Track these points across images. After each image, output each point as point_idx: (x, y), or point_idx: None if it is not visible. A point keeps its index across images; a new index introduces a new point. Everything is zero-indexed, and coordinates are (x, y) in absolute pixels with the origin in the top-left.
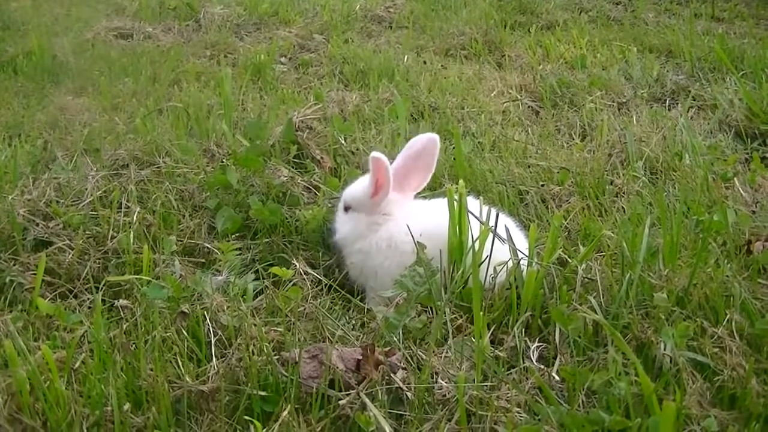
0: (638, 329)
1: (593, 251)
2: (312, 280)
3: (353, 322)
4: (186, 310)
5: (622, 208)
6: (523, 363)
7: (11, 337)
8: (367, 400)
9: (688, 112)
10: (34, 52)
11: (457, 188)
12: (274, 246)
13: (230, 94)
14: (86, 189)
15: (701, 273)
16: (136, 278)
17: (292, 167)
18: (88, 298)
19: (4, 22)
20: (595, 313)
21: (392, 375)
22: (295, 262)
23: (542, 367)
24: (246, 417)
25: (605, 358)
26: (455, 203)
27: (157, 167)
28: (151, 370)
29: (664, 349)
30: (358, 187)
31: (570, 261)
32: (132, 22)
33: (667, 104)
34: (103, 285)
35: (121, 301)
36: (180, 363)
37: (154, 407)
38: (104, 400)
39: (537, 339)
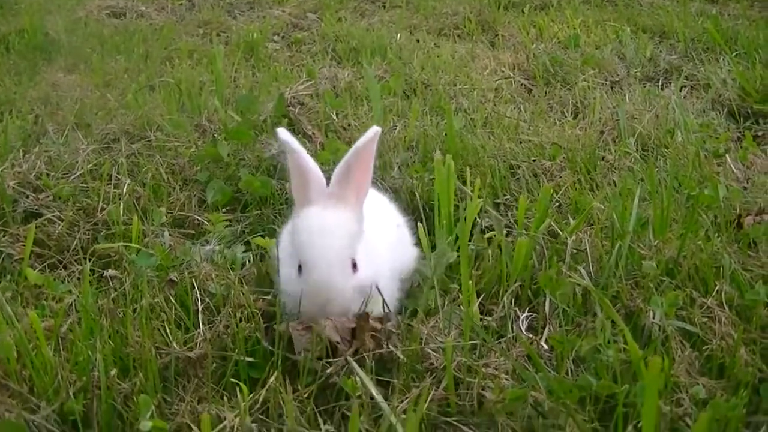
0: (627, 298)
1: (583, 224)
2: None
3: None
4: (174, 278)
5: (614, 182)
6: (512, 332)
7: None
8: (356, 365)
9: (680, 91)
10: (27, 30)
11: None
12: (265, 218)
13: (222, 71)
14: (77, 162)
15: (691, 244)
16: (124, 245)
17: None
18: (78, 269)
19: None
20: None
21: (387, 341)
22: None
23: (531, 336)
24: (233, 380)
25: (594, 325)
26: (444, 174)
27: (148, 141)
28: (139, 336)
29: (653, 318)
30: None
31: (560, 233)
32: (125, 0)
33: (660, 83)
34: (91, 254)
35: (110, 271)
36: (168, 330)
37: (141, 373)
38: (91, 365)
39: (526, 309)
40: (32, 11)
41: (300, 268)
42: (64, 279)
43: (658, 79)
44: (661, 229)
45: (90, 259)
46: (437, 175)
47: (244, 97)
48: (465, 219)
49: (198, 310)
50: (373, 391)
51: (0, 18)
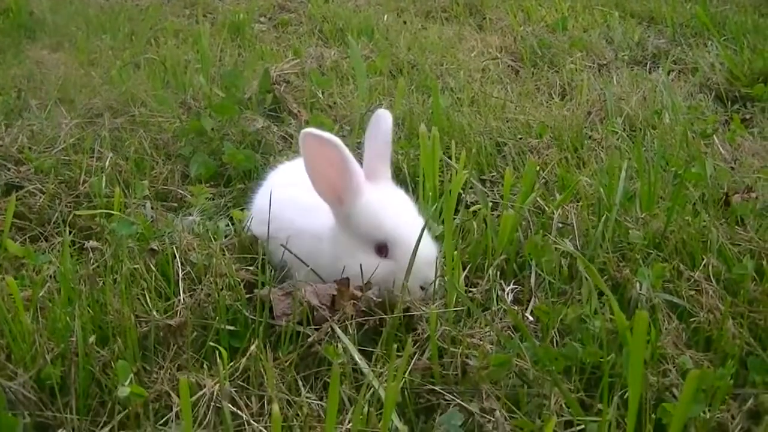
0: (614, 269)
1: (570, 199)
2: None
3: None
4: (155, 248)
5: (601, 160)
6: (497, 305)
7: None
8: (339, 330)
9: (668, 74)
10: (11, 8)
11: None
12: (248, 192)
13: (208, 49)
14: (59, 136)
15: (678, 219)
16: (105, 212)
17: (268, 119)
18: (59, 241)
19: None
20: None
21: (367, 309)
22: None
23: (516, 308)
24: (212, 344)
25: (579, 294)
26: (429, 147)
27: (132, 116)
28: (118, 304)
29: (640, 289)
30: None
31: (546, 209)
32: None
33: (647, 67)
34: (72, 226)
35: (90, 242)
36: (148, 298)
37: (120, 341)
38: (69, 333)
39: (512, 282)
40: None
41: (381, 249)
42: (45, 251)
43: (646, 63)
44: (648, 204)
45: (71, 232)
46: (422, 147)
47: (229, 72)
48: (450, 192)
49: (179, 279)
50: (356, 355)
51: None
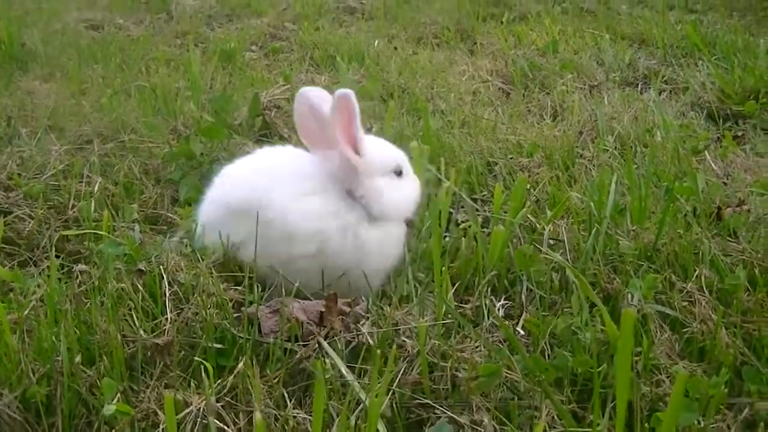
0: (605, 281)
1: (561, 215)
2: None
3: None
4: (143, 268)
5: (592, 177)
6: (488, 320)
7: None
8: (327, 345)
9: (659, 94)
10: (3, 40)
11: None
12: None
13: (198, 76)
14: (48, 162)
15: (670, 231)
16: (93, 233)
17: (258, 144)
18: (47, 265)
19: None
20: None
21: (355, 324)
22: None
23: (507, 322)
24: (198, 359)
25: (570, 305)
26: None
27: (121, 142)
28: (105, 323)
29: (632, 300)
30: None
31: (537, 226)
32: (103, 14)
33: (639, 88)
34: (60, 250)
35: (79, 266)
36: (135, 318)
37: (107, 360)
38: (55, 353)
39: (502, 298)
40: (9, 23)
41: (399, 173)
42: (34, 275)
43: (637, 84)
44: (639, 217)
45: (60, 256)
46: (415, 161)
47: (219, 96)
48: (438, 208)
49: (166, 298)
50: (342, 368)
51: None
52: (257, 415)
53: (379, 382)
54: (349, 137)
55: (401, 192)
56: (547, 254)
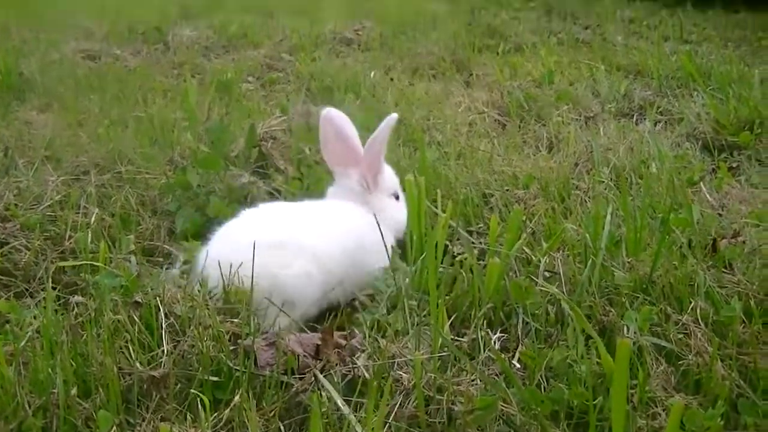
0: (600, 313)
1: (556, 247)
2: None
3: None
4: (139, 300)
5: (587, 209)
6: (484, 353)
7: None
8: (322, 378)
9: (655, 125)
10: (0, 70)
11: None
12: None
13: (195, 107)
14: (45, 193)
15: (665, 263)
16: (90, 264)
17: (255, 175)
18: (44, 297)
19: None
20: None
21: (351, 357)
22: None
23: (503, 355)
24: (194, 391)
25: (565, 338)
26: (414, 194)
27: (118, 173)
28: (101, 355)
29: (627, 333)
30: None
31: (533, 258)
32: (100, 45)
33: (634, 119)
34: (57, 282)
35: (76, 297)
36: (131, 350)
37: (103, 392)
38: (51, 385)
39: (498, 331)
40: (7, 53)
41: (397, 197)
42: (30, 307)
43: (633, 115)
44: (634, 248)
45: (56, 288)
46: (408, 194)
47: (215, 126)
48: (434, 240)
49: (162, 330)
50: (339, 401)
51: None
52: None
53: (375, 416)
54: (373, 159)
55: (400, 213)
56: (542, 287)
